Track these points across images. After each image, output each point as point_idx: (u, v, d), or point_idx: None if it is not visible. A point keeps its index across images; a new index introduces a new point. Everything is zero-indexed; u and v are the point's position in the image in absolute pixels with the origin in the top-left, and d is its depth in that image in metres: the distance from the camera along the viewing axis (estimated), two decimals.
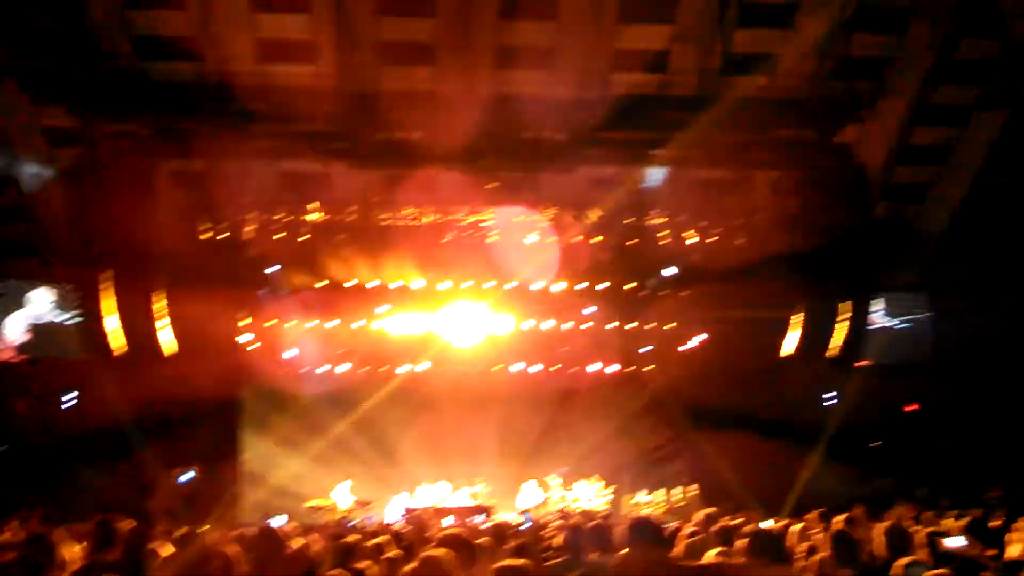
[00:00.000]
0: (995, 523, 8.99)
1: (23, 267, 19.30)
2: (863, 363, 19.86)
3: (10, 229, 19.25)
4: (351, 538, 8.85)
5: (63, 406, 19.83)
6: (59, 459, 18.03)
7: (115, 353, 15.78)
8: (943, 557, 5.27)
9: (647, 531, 4.15)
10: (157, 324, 16.07)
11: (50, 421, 19.42)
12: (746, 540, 5.06)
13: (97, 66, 15.87)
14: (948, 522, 7.64)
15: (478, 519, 15.95)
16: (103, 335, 15.73)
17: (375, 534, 10.75)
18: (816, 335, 17.34)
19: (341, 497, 18.01)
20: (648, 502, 18.71)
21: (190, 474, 4.88)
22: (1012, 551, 5.51)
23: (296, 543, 7.09)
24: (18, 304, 19.59)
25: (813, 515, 9.27)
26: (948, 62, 18.14)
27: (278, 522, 7.07)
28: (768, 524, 9.88)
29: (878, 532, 6.51)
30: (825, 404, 18.84)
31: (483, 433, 20.43)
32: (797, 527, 7.35)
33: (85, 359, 17.56)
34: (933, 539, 5.72)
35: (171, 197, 17.44)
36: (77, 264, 16.18)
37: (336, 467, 19.45)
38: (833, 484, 18.04)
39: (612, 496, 18.99)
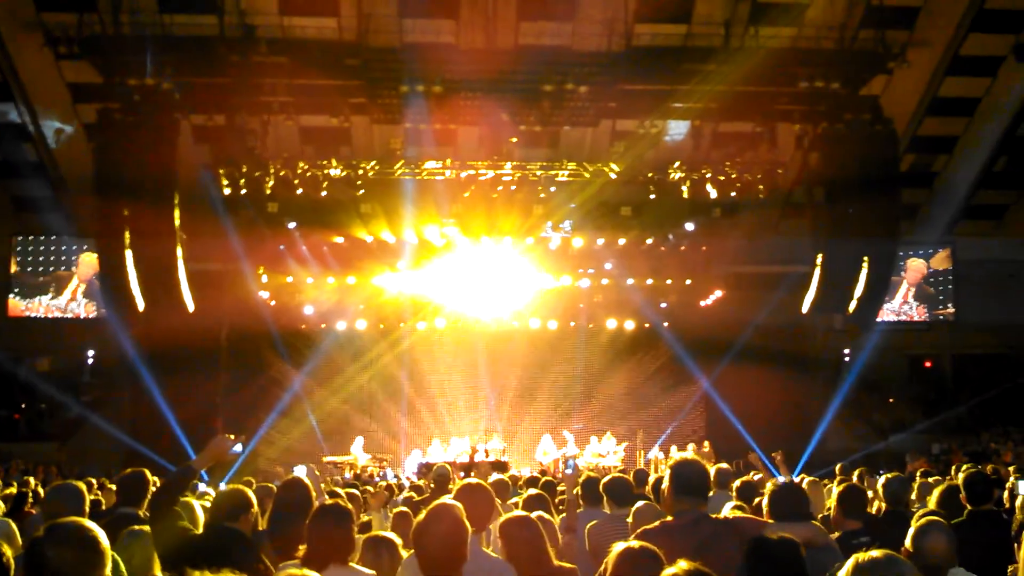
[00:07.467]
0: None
1: (46, 222, 19.52)
2: (882, 318, 19.76)
3: (34, 184, 19.47)
4: (375, 489, 9.05)
5: (87, 361, 20.20)
6: (80, 414, 18.43)
7: (137, 307, 15.93)
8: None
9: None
10: (178, 278, 16.18)
11: (73, 376, 19.82)
12: (766, 496, 5.08)
13: (120, 21, 15.86)
14: (961, 477, 7.65)
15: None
16: (126, 290, 15.86)
17: (399, 487, 10.98)
18: (836, 289, 17.19)
19: (357, 452, 18.23)
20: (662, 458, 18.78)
21: (238, 446, 4.82)
22: None
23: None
24: (46, 260, 19.87)
25: (833, 470, 9.36)
26: (981, 11, 17.76)
27: (300, 471, 7.19)
28: (784, 480, 9.95)
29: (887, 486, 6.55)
30: (843, 359, 18.77)
31: (498, 389, 20.56)
32: (808, 481, 7.42)
33: (108, 313, 17.80)
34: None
35: (193, 151, 17.50)
36: (100, 219, 16.27)
37: (350, 423, 19.66)
38: (849, 440, 18.14)
39: (624, 453, 19.08)
